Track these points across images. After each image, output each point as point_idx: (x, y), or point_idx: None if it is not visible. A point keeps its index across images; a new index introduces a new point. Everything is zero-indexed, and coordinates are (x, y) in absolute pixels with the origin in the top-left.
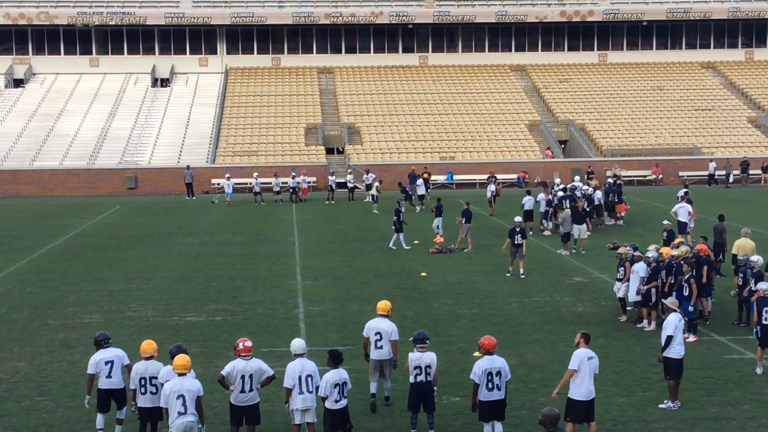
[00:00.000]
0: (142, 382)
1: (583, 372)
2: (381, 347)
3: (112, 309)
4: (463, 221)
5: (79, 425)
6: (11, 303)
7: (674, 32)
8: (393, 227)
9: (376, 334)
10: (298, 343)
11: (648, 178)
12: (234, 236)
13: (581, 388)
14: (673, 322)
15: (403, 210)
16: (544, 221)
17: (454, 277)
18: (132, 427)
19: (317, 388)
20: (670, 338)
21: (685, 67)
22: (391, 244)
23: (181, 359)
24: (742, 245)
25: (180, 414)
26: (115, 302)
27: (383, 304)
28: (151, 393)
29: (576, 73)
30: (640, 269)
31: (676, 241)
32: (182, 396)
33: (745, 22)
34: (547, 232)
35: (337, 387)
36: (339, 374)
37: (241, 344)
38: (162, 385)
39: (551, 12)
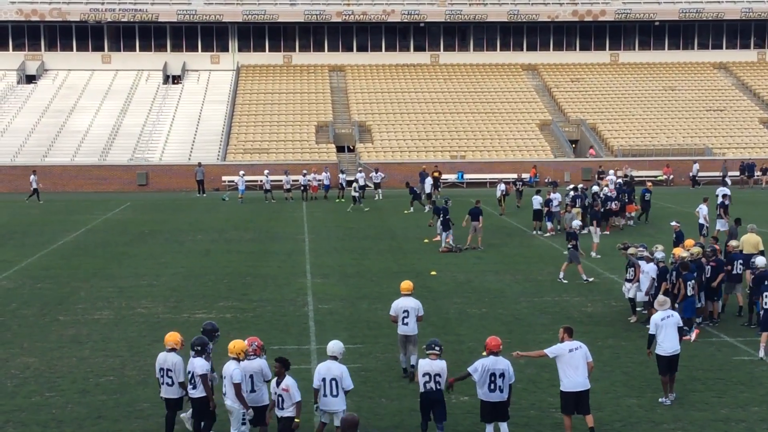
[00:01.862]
0: (161, 373)
1: (566, 364)
2: (407, 324)
3: (122, 305)
4: (470, 219)
5: (88, 421)
6: (22, 299)
7: (686, 32)
8: (440, 226)
9: (404, 311)
10: (330, 345)
11: (659, 178)
12: (244, 233)
13: (567, 380)
14: (654, 321)
15: (449, 206)
16: (548, 222)
17: (463, 276)
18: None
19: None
20: (651, 337)
21: (697, 67)
22: (443, 243)
23: (232, 343)
24: (747, 240)
25: (224, 395)
26: (125, 298)
27: (407, 284)
28: (168, 384)
29: (587, 73)
30: (650, 270)
31: (686, 243)
32: (225, 378)
33: (758, 23)
34: (548, 233)
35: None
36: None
37: (245, 342)
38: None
39: (563, 11)
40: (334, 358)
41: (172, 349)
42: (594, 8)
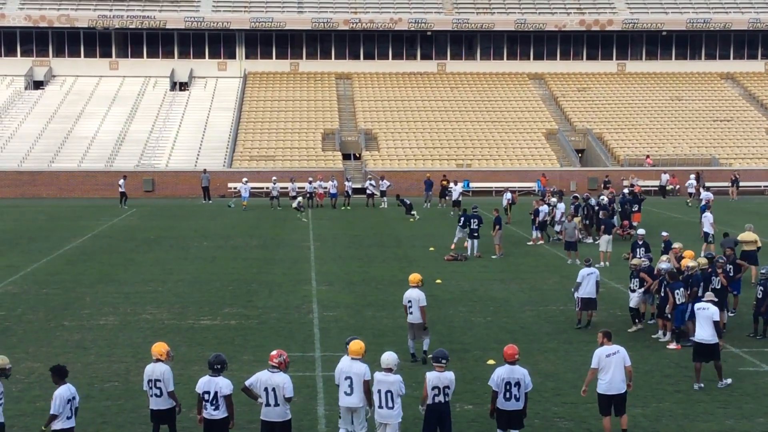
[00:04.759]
0: (150, 384)
1: (605, 368)
2: (412, 312)
3: (127, 311)
4: (498, 228)
5: (92, 427)
6: (28, 304)
7: (694, 43)
8: (472, 234)
9: (409, 301)
10: (384, 357)
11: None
12: (250, 240)
13: (602, 383)
14: (696, 307)
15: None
16: (534, 231)
17: (468, 285)
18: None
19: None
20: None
21: (704, 77)
22: (475, 252)
23: (356, 344)
24: (745, 238)
25: (346, 394)
26: (130, 304)
27: (413, 276)
28: (156, 395)
29: (594, 82)
30: (580, 275)
31: (687, 254)
32: (349, 378)
33: (765, 34)
34: (531, 242)
35: (69, 403)
36: (69, 390)
37: (275, 352)
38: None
39: (570, 21)
40: (389, 370)
41: (158, 360)
42: (601, 18)
